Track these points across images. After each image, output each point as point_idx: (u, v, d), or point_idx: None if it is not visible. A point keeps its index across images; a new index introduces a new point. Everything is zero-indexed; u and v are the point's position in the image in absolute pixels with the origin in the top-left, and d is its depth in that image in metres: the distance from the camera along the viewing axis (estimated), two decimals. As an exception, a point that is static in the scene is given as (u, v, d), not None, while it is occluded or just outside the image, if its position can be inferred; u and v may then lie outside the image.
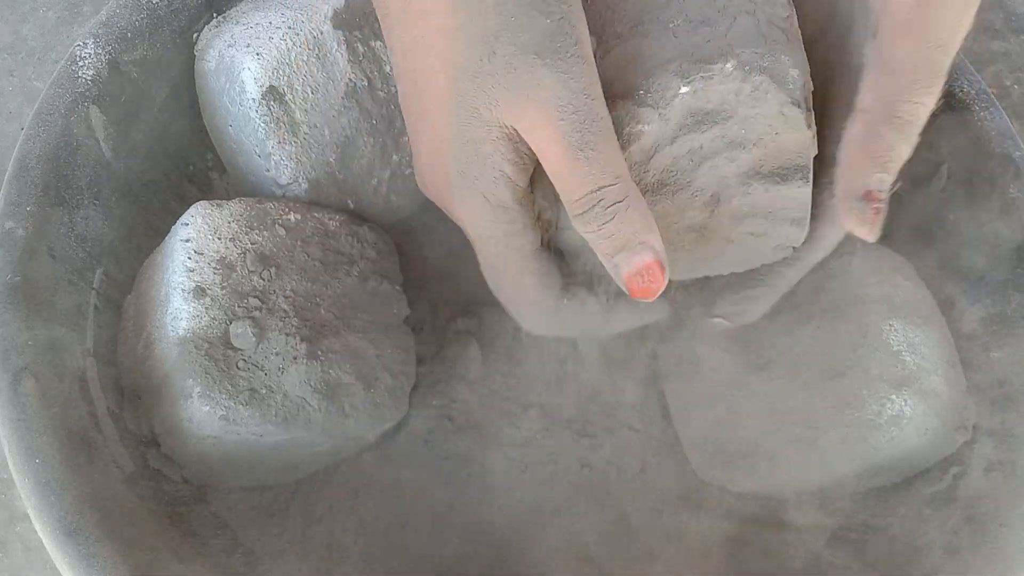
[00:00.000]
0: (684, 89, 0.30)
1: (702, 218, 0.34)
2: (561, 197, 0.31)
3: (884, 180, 0.32)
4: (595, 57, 0.31)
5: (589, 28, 0.31)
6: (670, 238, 0.35)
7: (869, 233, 0.32)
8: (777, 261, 0.36)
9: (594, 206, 0.30)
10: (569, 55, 0.29)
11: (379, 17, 0.34)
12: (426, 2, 0.30)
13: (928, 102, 0.32)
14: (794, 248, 0.35)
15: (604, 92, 0.30)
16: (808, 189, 0.33)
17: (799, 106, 0.31)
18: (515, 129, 0.30)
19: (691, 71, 0.30)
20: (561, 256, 0.36)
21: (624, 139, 0.31)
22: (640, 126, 0.30)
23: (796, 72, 0.31)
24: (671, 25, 0.31)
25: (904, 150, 0.32)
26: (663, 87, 0.30)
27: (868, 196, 0.32)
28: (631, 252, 0.31)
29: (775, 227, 0.34)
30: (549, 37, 0.29)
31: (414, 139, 0.35)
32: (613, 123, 0.31)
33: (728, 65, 0.30)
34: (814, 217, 0.34)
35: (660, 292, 0.31)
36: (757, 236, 0.35)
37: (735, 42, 0.30)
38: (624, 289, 0.32)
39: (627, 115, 0.30)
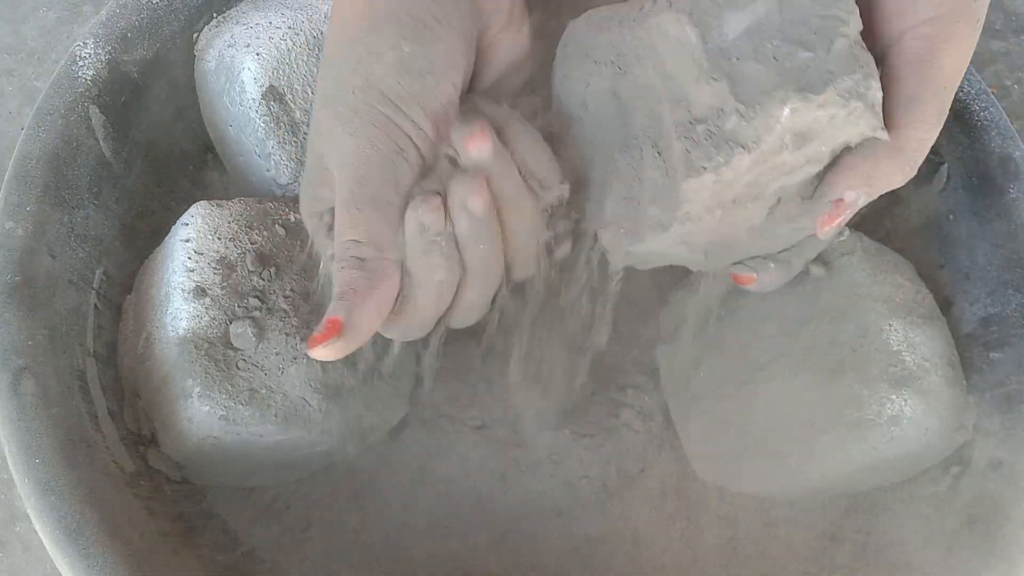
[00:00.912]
0: (786, 116, 0.31)
1: (761, 219, 0.35)
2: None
3: (861, 199, 0.34)
4: None
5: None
6: (730, 241, 0.36)
7: (819, 231, 0.35)
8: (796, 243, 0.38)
9: (344, 254, 0.30)
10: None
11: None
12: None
13: (931, 137, 0.33)
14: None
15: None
16: None
17: (882, 125, 0.32)
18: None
19: (796, 100, 0.31)
20: None
21: (724, 158, 0.32)
22: (742, 151, 0.31)
23: (881, 94, 0.32)
24: (769, 46, 0.31)
25: (896, 179, 0.34)
26: (767, 115, 0.31)
27: (838, 204, 0.34)
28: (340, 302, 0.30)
29: (812, 220, 0.35)
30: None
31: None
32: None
33: (832, 94, 0.31)
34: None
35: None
36: (797, 229, 0.36)
37: (835, 69, 0.31)
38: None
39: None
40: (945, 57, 0.33)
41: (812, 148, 0.32)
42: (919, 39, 0.33)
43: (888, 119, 0.32)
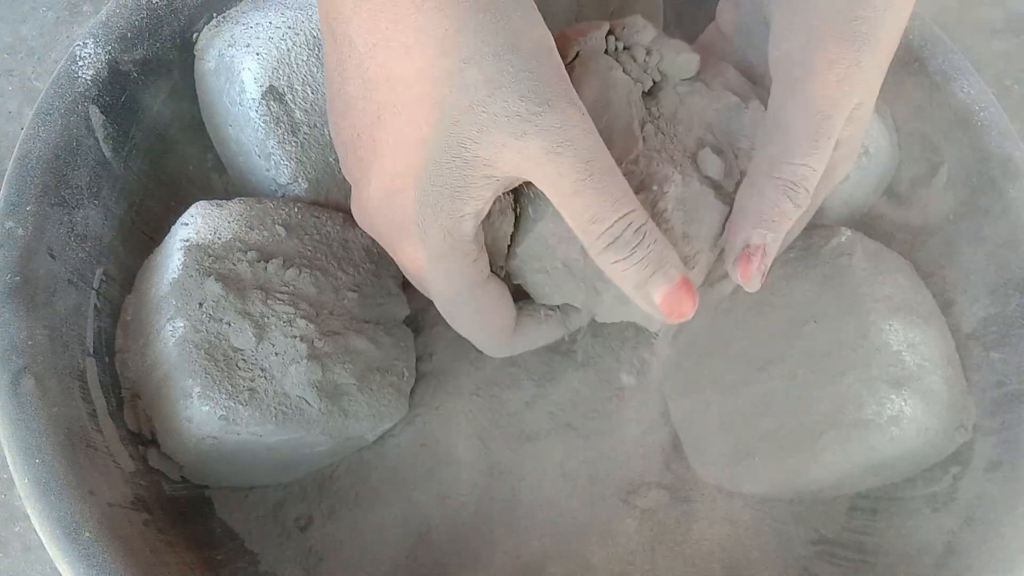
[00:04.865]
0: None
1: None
2: (581, 230, 0.31)
3: (764, 236, 0.32)
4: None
5: None
6: None
7: (748, 285, 0.33)
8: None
9: (622, 233, 0.30)
10: (567, 98, 0.29)
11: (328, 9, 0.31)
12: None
13: (812, 164, 0.32)
14: None
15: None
16: None
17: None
18: (504, 170, 0.30)
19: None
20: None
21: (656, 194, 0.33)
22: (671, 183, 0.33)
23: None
24: None
25: (788, 208, 0.32)
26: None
27: (745, 250, 0.33)
28: (664, 274, 0.31)
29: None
30: (546, 84, 0.29)
31: (361, 170, 0.33)
32: (645, 180, 0.33)
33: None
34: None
35: (693, 311, 0.32)
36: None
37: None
38: (657, 314, 0.32)
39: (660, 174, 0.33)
40: (817, 82, 0.31)
41: None
42: (791, 64, 0.32)
43: (766, 146, 0.32)
